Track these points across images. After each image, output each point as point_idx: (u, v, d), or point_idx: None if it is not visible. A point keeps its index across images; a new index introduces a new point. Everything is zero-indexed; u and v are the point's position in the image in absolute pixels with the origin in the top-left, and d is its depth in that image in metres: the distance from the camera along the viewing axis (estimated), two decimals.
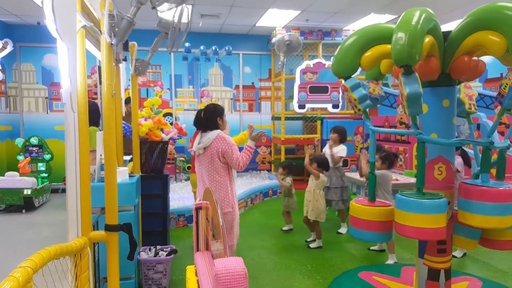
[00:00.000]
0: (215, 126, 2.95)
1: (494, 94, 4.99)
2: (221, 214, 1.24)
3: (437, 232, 2.12)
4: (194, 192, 4.75)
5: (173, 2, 2.22)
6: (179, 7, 2.44)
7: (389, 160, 3.80)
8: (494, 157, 2.50)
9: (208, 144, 2.87)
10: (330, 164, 4.39)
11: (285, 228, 4.74)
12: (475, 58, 2.34)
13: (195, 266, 1.63)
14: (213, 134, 2.88)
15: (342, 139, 4.60)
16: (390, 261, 3.70)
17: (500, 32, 2.04)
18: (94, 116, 3.07)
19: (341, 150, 4.55)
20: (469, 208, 2.22)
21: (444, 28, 2.30)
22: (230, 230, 2.90)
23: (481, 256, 3.81)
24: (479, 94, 5.06)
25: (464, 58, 2.30)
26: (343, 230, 4.66)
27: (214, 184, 2.90)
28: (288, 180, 4.54)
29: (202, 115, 2.99)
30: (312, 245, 4.09)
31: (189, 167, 7.09)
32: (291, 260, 3.77)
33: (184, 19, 2.65)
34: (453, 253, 3.75)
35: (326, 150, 4.68)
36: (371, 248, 4.05)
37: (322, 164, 4.18)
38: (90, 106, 3.03)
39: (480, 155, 2.40)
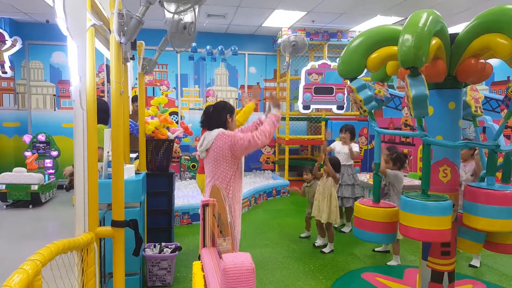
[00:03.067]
0: (223, 124, 2.66)
1: (501, 97, 4.96)
2: (229, 211, 1.26)
3: (442, 234, 2.12)
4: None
5: (184, 4, 2.24)
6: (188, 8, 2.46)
7: (400, 161, 3.81)
8: (500, 160, 2.49)
9: (210, 146, 2.58)
10: (343, 162, 4.48)
11: (304, 235, 4.53)
12: (482, 60, 2.33)
13: (201, 262, 1.65)
14: (214, 133, 2.58)
15: (352, 137, 4.71)
16: (393, 262, 3.70)
17: (508, 35, 2.04)
18: (103, 114, 3.08)
19: (356, 146, 4.65)
20: (474, 211, 2.22)
21: (451, 30, 2.30)
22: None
23: (485, 260, 3.79)
24: (486, 97, 5.03)
25: (471, 61, 2.29)
26: (346, 229, 4.71)
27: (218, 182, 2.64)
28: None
29: (211, 110, 2.71)
30: (325, 250, 4.01)
31: (193, 166, 7.12)
32: (294, 260, 3.78)
33: (191, 19, 2.67)
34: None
35: (337, 147, 4.78)
36: (376, 249, 4.05)
37: (335, 165, 4.11)
38: (100, 104, 3.06)
39: (486, 158, 2.40)
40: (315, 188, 4.21)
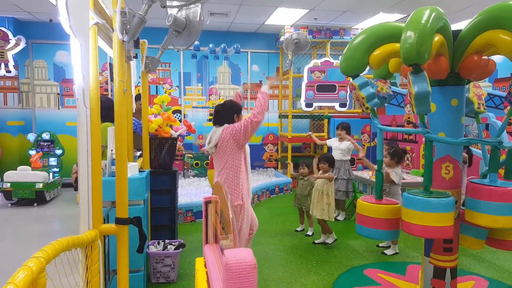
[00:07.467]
0: (230, 122, 2.89)
1: (504, 94, 4.93)
2: (231, 208, 1.27)
3: (444, 231, 2.12)
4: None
5: (183, 1, 2.25)
6: (192, 7, 2.47)
7: (398, 156, 3.82)
8: (503, 157, 2.48)
9: (217, 141, 2.83)
10: (340, 158, 4.86)
11: (299, 229, 4.67)
12: (485, 57, 2.32)
13: (204, 258, 1.66)
14: (220, 129, 2.83)
15: (348, 133, 5.06)
16: (390, 251, 3.83)
17: (511, 31, 2.03)
18: (110, 112, 3.08)
19: (348, 144, 5.01)
20: (476, 207, 2.22)
21: (454, 27, 2.29)
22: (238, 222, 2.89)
23: (487, 256, 3.79)
24: (489, 94, 5.01)
25: (474, 57, 2.28)
26: (341, 217, 5.08)
27: (227, 178, 2.83)
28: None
29: (220, 109, 2.96)
30: (328, 241, 4.08)
31: (197, 164, 7.15)
32: (296, 256, 3.79)
33: (197, 18, 2.68)
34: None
35: (334, 144, 5.10)
36: (380, 244, 4.10)
37: (330, 161, 4.16)
38: (106, 101, 3.05)
39: (489, 155, 2.40)
40: (309, 182, 4.34)
